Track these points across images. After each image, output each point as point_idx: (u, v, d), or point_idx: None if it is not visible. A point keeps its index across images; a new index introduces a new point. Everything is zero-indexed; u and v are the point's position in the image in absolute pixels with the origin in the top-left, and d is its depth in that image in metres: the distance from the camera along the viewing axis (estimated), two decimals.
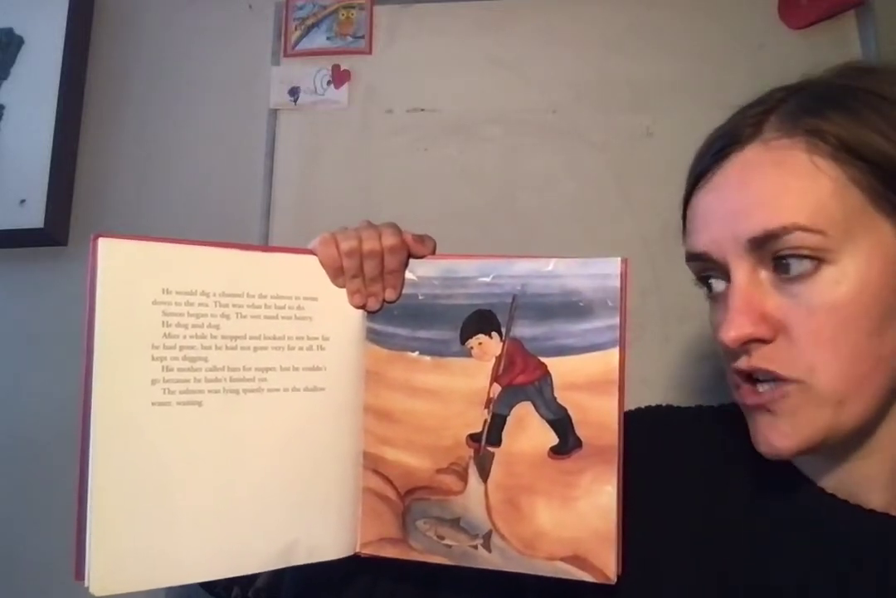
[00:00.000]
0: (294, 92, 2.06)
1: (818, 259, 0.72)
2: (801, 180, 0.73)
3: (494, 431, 0.83)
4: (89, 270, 0.75)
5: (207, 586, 1.67)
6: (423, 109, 2.03)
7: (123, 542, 0.74)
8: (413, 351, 0.86)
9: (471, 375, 0.84)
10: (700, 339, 1.75)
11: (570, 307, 0.80)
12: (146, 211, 2.05)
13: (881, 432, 0.79)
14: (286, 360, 0.84)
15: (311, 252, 0.86)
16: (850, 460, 0.81)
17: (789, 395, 0.75)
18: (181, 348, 0.78)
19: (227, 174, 2.06)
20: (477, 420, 0.83)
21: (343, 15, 2.07)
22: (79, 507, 0.73)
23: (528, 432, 0.82)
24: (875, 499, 0.81)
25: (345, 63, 2.07)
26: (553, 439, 0.80)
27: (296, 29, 2.09)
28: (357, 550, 0.87)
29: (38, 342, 2.02)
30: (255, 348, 0.82)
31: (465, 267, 0.85)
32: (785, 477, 0.85)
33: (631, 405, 0.94)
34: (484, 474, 0.83)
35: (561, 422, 0.80)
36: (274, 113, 2.07)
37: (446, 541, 0.84)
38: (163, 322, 0.77)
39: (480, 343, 0.84)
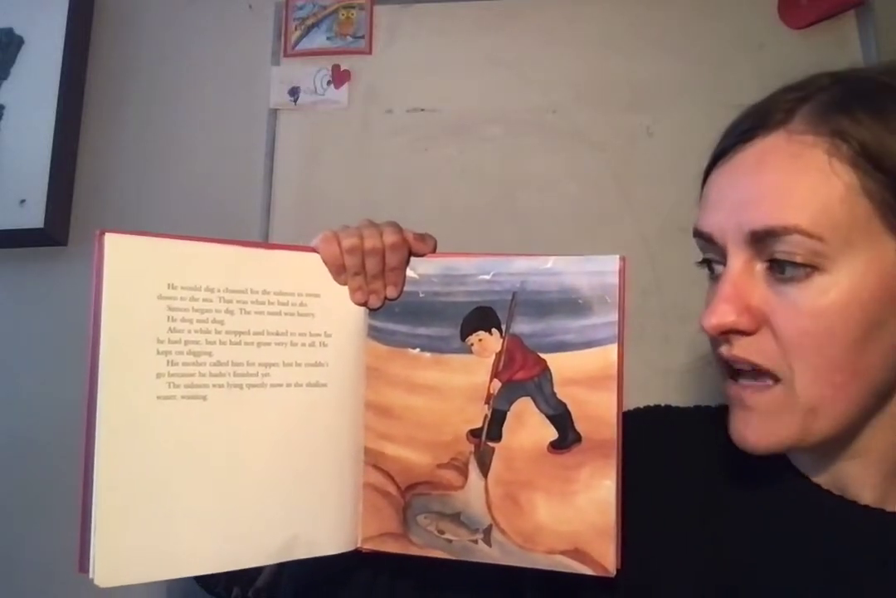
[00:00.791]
0: (294, 92, 2.07)
1: (811, 266, 0.72)
2: (814, 180, 0.72)
3: (494, 426, 0.84)
4: (95, 266, 0.75)
5: (207, 586, 1.69)
6: (423, 109, 2.04)
7: (128, 534, 0.75)
8: (414, 348, 0.87)
9: (471, 371, 0.85)
10: (700, 338, 1.75)
11: (569, 304, 0.81)
12: (146, 211, 2.06)
13: (867, 435, 0.80)
14: (289, 356, 0.84)
15: (314, 250, 0.87)
16: (840, 458, 0.82)
17: (768, 390, 0.76)
18: (186, 342, 0.78)
19: (227, 174, 2.07)
20: (477, 416, 0.84)
21: (343, 15, 2.08)
22: (83, 500, 0.74)
23: (528, 428, 0.82)
24: (867, 495, 0.81)
25: (345, 63, 2.08)
26: (552, 434, 0.81)
27: (296, 29, 2.10)
28: (358, 545, 0.87)
29: (38, 342, 2.02)
30: (259, 344, 0.82)
31: (466, 265, 0.86)
32: (780, 472, 0.86)
33: (630, 405, 0.95)
34: (484, 469, 0.84)
35: (560, 417, 0.81)
36: (274, 113, 2.08)
37: (447, 536, 0.85)
38: (168, 317, 0.78)
39: (480, 340, 0.85)
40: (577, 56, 2.01)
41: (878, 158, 0.71)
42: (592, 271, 0.80)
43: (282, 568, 0.97)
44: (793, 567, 0.82)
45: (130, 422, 0.76)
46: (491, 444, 0.84)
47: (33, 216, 2.00)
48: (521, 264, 0.84)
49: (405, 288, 0.88)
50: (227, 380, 0.80)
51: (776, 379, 0.76)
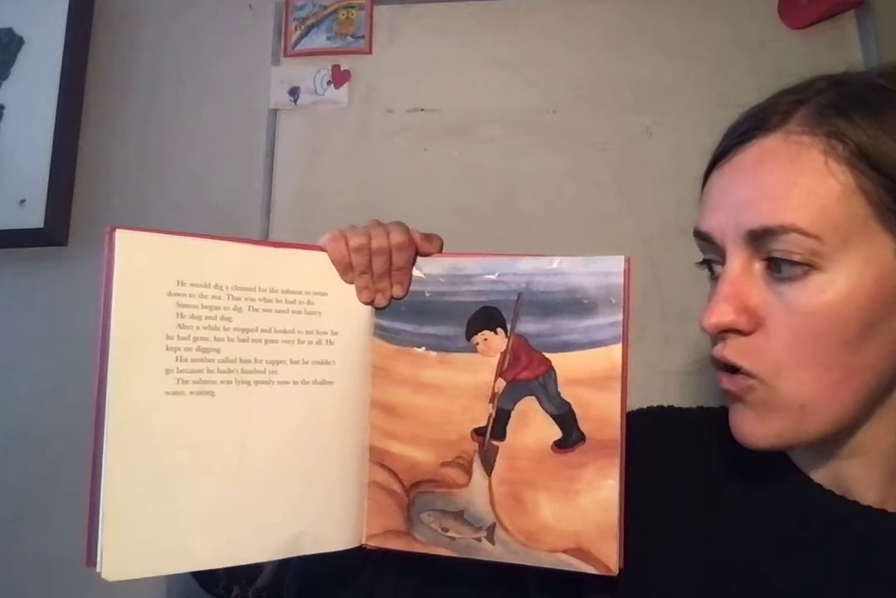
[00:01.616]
0: (294, 92, 2.07)
1: (809, 265, 0.72)
2: (811, 181, 0.73)
3: (499, 425, 0.84)
4: (105, 262, 0.76)
5: (207, 585, 1.69)
6: (423, 109, 2.04)
7: (135, 529, 0.75)
8: (419, 347, 0.88)
9: (476, 370, 0.86)
10: (700, 339, 1.76)
11: (574, 304, 0.82)
12: (146, 211, 2.06)
13: (865, 434, 0.80)
14: (296, 353, 0.85)
15: (321, 249, 0.88)
16: (840, 458, 0.82)
17: (754, 389, 0.77)
18: (194, 339, 0.79)
19: (227, 174, 2.07)
20: (482, 415, 0.85)
21: (343, 15, 2.09)
22: (91, 495, 0.74)
23: (532, 427, 0.83)
24: (870, 496, 0.82)
25: (345, 63, 2.08)
26: (556, 434, 0.82)
27: (296, 29, 2.10)
28: (363, 542, 0.88)
29: (37, 342, 2.03)
30: (266, 341, 0.83)
31: (471, 265, 0.87)
32: (782, 473, 0.87)
33: (631, 405, 0.96)
34: (488, 468, 0.84)
35: (564, 417, 0.82)
36: (274, 113, 2.09)
37: (450, 533, 0.85)
38: (177, 313, 0.79)
39: (486, 339, 0.85)
40: (577, 56, 2.01)
41: (873, 158, 0.72)
42: (597, 272, 0.81)
43: (283, 567, 0.98)
44: (794, 568, 0.82)
45: (139, 417, 0.76)
46: (495, 443, 0.84)
47: (33, 216, 2.01)
48: (526, 265, 0.84)
49: (411, 287, 0.89)
50: (234, 376, 0.81)
51: (758, 379, 0.77)
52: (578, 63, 2.01)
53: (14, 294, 2.07)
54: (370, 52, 2.08)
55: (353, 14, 2.08)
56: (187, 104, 2.13)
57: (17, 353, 2.04)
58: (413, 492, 0.87)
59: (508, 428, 0.84)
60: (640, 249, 1.85)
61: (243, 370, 0.82)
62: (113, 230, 0.77)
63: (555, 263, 0.83)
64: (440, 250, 0.90)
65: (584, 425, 0.81)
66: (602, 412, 0.80)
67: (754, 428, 0.79)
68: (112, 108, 2.15)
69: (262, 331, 0.83)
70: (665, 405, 1.05)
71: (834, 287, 0.72)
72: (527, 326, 0.84)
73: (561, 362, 0.82)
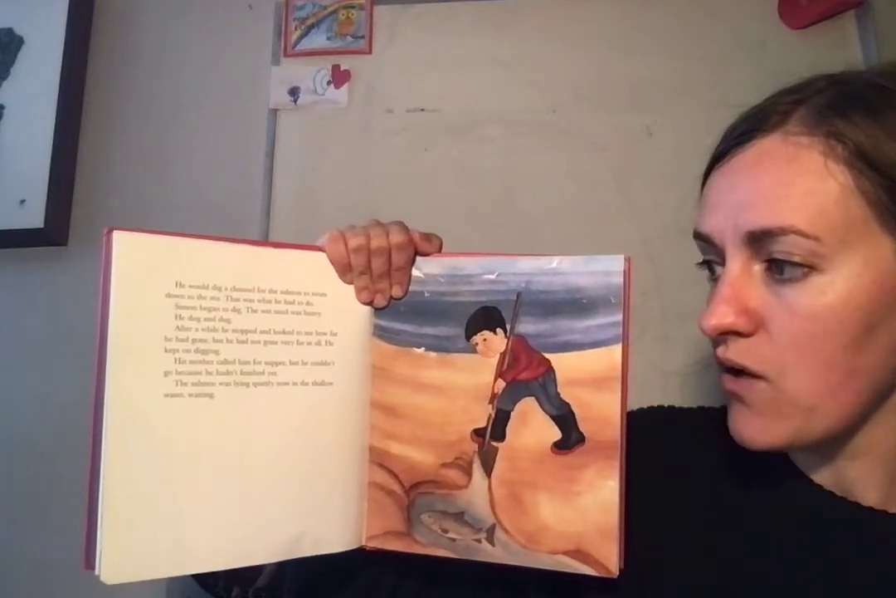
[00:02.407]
0: (294, 92, 2.07)
1: (809, 267, 0.72)
2: (810, 181, 0.72)
3: (498, 426, 0.84)
4: (103, 263, 0.76)
5: (207, 585, 1.69)
6: (423, 109, 2.04)
7: (134, 532, 0.75)
8: (419, 347, 0.88)
9: (475, 371, 0.85)
10: (700, 339, 1.76)
11: (574, 304, 0.81)
12: (146, 211, 2.07)
13: (866, 435, 0.80)
14: (295, 354, 0.85)
15: (320, 249, 0.88)
16: (841, 459, 0.82)
17: (760, 390, 0.77)
18: (193, 340, 0.79)
19: (227, 174, 2.07)
20: (481, 415, 0.85)
21: (343, 15, 2.09)
22: (89, 497, 0.74)
23: (532, 428, 0.83)
24: (871, 497, 0.82)
25: (345, 63, 2.09)
26: (556, 435, 0.81)
27: (296, 29, 2.11)
28: (363, 543, 0.88)
29: (37, 342, 2.03)
30: (265, 342, 0.83)
31: (471, 265, 0.86)
32: (782, 474, 0.86)
33: (632, 405, 0.96)
34: (488, 469, 0.84)
35: (564, 417, 0.81)
36: (274, 113, 2.09)
37: (450, 535, 0.85)
38: (176, 315, 0.78)
39: (485, 339, 0.85)
40: (577, 56, 2.01)
41: (872, 158, 0.72)
42: (597, 271, 0.80)
43: (283, 567, 0.98)
44: (795, 569, 0.82)
45: (138, 420, 0.76)
46: (495, 444, 0.84)
47: (33, 216, 2.01)
48: (526, 264, 0.84)
49: (411, 287, 0.89)
50: (233, 378, 0.81)
51: (765, 380, 0.76)
52: (578, 63, 2.01)
53: (14, 294, 2.07)
54: (370, 52, 2.09)
55: (353, 14, 2.09)
56: (187, 104, 2.13)
57: (17, 353, 2.04)
58: (413, 493, 0.87)
59: (508, 429, 0.84)
60: (640, 249, 1.85)
61: (242, 372, 0.81)
62: (111, 231, 0.76)
63: (554, 262, 0.83)
64: (440, 250, 0.89)
65: (584, 426, 0.80)
66: (602, 413, 0.79)
67: (755, 430, 0.78)
68: (112, 108, 2.15)
69: (262, 332, 0.83)
70: (665, 405, 1.04)
71: (833, 289, 0.71)
72: (526, 326, 0.83)
73: (561, 362, 0.82)
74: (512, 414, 0.84)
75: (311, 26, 2.10)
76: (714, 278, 0.82)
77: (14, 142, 2.06)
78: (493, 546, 0.84)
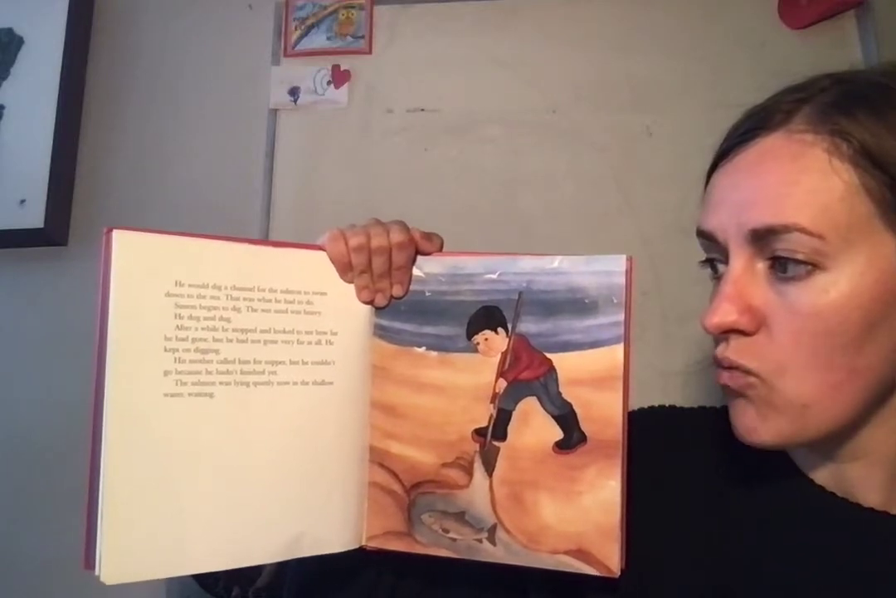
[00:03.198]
0: (294, 92, 2.08)
1: (812, 264, 0.71)
2: (814, 179, 0.72)
3: (500, 426, 0.84)
4: (102, 263, 0.75)
5: (207, 585, 1.69)
6: (423, 109, 2.05)
7: (135, 531, 0.74)
8: (419, 346, 0.88)
9: (476, 370, 0.85)
10: (701, 339, 1.76)
11: (575, 304, 0.81)
12: (146, 211, 2.07)
13: (866, 436, 0.80)
14: (295, 354, 0.84)
15: (320, 248, 0.87)
16: (841, 460, 0.82)
17: (754, 386, 0.76)
18: (193, 340, 0.78)
19: (227, 174, 2.08)
20: (482, 415, 0.85)
21: (343, 15, 2.09)
22: (89, 497, 0.74)
23: (533, 427, 0.83)
24: (872, 498, 0.81)
25: (345, 63, 2.09)
26: (558, 434, 0.81)
27: (296, 29, 2.11)
28: (363, 543, 0.88)
29: (37, 342, 2.03)
30: (266, 342, 0.83)
31: (472, 264, 0.86)
32: (783, 474, 0.86)
33: (632, 405, 0.96)
34: (489, 469, 0.84)
35: (566, 417, 0.81)
36: (274, 113, 2.09)
37: (451, 534, 0.85)
38: (175, 314, 0.78)
39: (486, 339, 0.85)
40: (577, 56, 2.01)
41: (877, 156, 0.71)
42: (599, 271, 0.81)
43: (283, 568, 0.98)
44: (795, 568, 0.82)
45: (138, 419, 0.75)
46: (496, 443, 0.84)
47: (33, 216, 2.01)
48: (527, 264, 0.84)
49: (412, 287, 0.88)
50: (234, 378, 0.80)
51: (758, 377, 0.76)
52: (578, 63, 2.01)
53: (14, 294, 2.08)
54: (370, 52, 2.09)
55: (353, 14, 2.09)
56: (187, 104, 2.13)
57: (17, 353, 2.04)
58: (413, 493, 0.87)
59: (509, 429, 0.84)
60: (640, 249, 1.86)
61: (242, 371, 0.81)
62: (110, 231, 0.76)
63: (556, 262, 0.83)
64: (440, 249, 0.89)
65: (585, 426, 0.80)
66: (604, 413, 0.79)
67: (756, 425, 0.78)
68: (112, 108, 2.15)
69: (262, 331, 0.83)
70: (666, 405, 1.04)
71: (836, 287, 0.71)
72: (528, 325, 0.83)
73: (562, 362, 0.82)
74: (513, 414, 0.84)
75: (311, 26, 2.10)
76: (717, 277, 0.82)
77: (14, 142, 2.06)
78: (494, 546, 0.83)
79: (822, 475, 0.84)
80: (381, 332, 0.89)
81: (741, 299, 0.76)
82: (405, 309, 0.88)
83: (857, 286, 0.71)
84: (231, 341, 0.81)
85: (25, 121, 2.06)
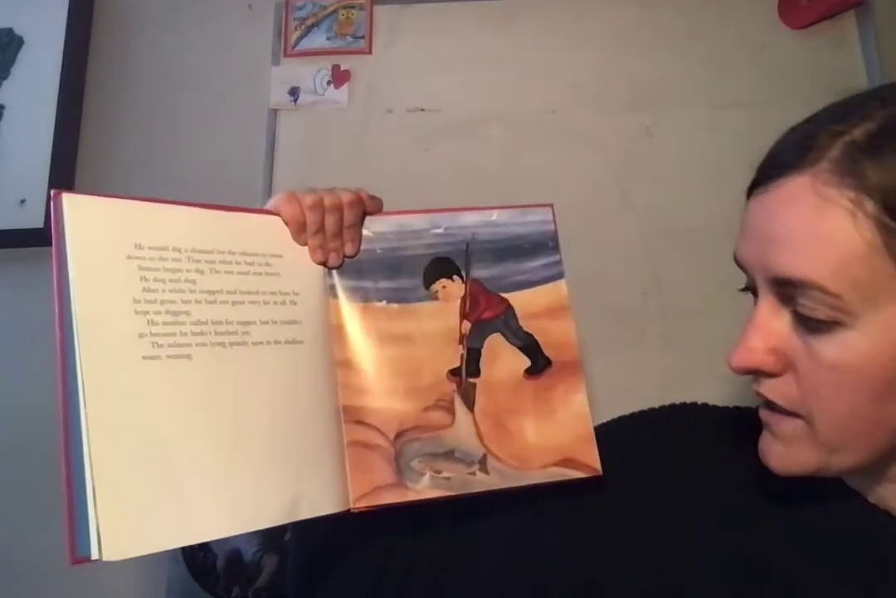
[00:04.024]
0: (294, 92, 2.09)
1: (834, 322, 0.71)
2: (836, 235, 0.69)
3: (472, 363, 0.92)
4: (54, 228, 0.75)
5: (207, 585, 1.69)
6: (423, 109, 2.06)
7: (131, 503, 0.71)
8: (379, 301, 0.93)
9: (440, 316, 0.93)
10: (701, 339, 1.76)
11: (518, 250, 0.94)
12: None
13: None
14: (264, 314, 0.87)
15: (272, 212, 0.91)
16: (877, 482, 0.83)
17: (795, 426, 0.78)
18: (162, 302, 0.79)
19: (227, 174, 2.09)
20: (454, 356, 0.92)
21: (343, 15, 2.12)
22: (67, 480, 0.70)
23: (503, 360, 0.92)
24: None
25: (345, 63, 2.11)
26: (525, 363, 0.92)
27: (296, 29, 2.13)
28: (351, 505, 0.87)
29: (37, 342, 2.03)
30: (234, 303, 0.84)
31: (417, 221, 0.97)
32: (825, 485, 0.85)
33: (635, 406, 1.05)
34: (469, 404, 0.91)
35: (530, 347, 0.92)
36: (274, 113, 2.11)
37: (444, 474, 0.90)
38: (140, 277, 0.78)
39: (444, 287, 0.93)
40: (577, 56, 2.04)
41: None
42: (534, 221, 0.95)
43: (283, 565, 0.98)
44: (832, 579, 0.82)
45: (118, 385, 0.74)
46: (472, 380, 0.91)
47: (33, 216, 2.03)
48: (468, 218, 0.97)
49: (362, 247, 0.94)
50: (209, 339, 0.81)
51: (800, 417, 0.77)
52: (578, 63, 2.03)
53: (14, 294, 2.09)
54: (370, 52, 2.11)
55: (353, 14, 2.11)
56: (187, 104, 2.16)
57: (16, 353, 2.06)
58: (398, 442, 0.90)
59: (481, 365, 0.92)
60: (640, 249, 1.86)
61: (216, 332, 0.82)
62: (59, 194, 0.76)
63: (494, 215, 0.96)
64: (381, 210, 0.96)
65: (548, 352, 0.92)
66: (561, 338, 0.92)
67: (778, 459, 0.81)
68: (112, 108, 2.17)
69: (228, 292, 0.84)
70: (699, 402, 1.05)
71: (859, 345, 0.71)
72: (480, 271, 0.93)
73: (517, 300, 0.92)
74: (482, 350, 0.92)
75: (311, 26, 2.12)
76: (755, 303, 0.82)
77: (14, 142, 2.08)
78: (487, 475, 0.89)
79: (865, 489, 0.85)
80: (339, 291, 0.93)
81: (766, 341, 0.77)
82: (359, 268, 0.94)
83: (880, 345, 0.71)
84: (200, 302, 0.82)
85: (25, 121, 2.09)
